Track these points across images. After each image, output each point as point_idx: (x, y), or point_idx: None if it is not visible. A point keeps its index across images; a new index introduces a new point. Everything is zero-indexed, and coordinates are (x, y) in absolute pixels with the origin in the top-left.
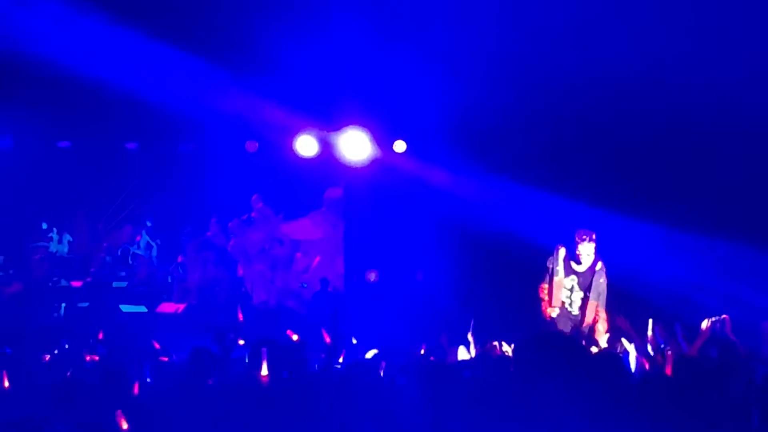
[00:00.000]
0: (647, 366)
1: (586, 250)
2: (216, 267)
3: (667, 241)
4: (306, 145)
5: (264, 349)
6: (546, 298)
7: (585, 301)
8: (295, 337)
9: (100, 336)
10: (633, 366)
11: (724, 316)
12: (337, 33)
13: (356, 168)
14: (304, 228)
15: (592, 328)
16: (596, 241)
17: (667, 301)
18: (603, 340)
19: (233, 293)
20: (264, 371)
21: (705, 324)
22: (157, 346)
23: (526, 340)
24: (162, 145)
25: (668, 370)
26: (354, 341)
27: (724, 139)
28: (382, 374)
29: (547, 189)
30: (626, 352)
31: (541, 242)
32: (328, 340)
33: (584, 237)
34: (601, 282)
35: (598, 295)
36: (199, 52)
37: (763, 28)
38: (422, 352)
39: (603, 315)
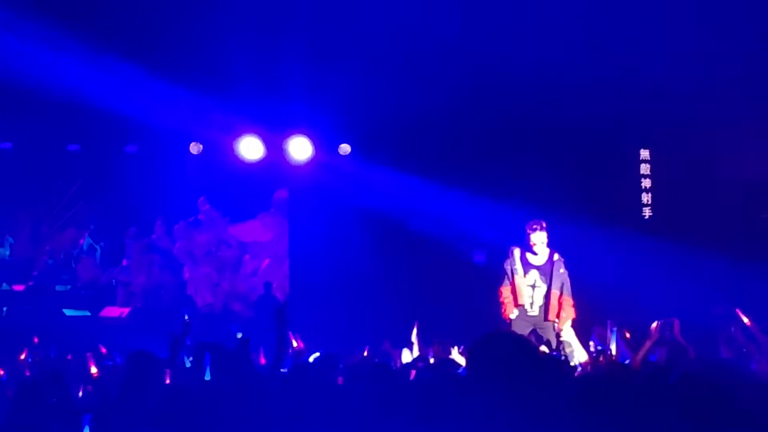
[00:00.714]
0: (588, 368)
1: (539, 239)
2: (161, 270)
3: (611, 242)
4: (250, 148)
5: (207, 354)
6: (506, 301)
7: (548, 295)
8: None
9: (36, 341)
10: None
11: (673, 318)
12: (280, 36)
13: (301, 170)
14: (253, 230)
15: (553, 325)
16: (548, 232)
17: (615, 303)
18: (568, 332)
19: (178, 297)
20: (206, 376)
21: (654, 326)
22: (103, 350)
23: (477, 341)
24: (105, 146)
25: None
26: (294, 344)
27: (663, 144)
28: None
29: (490, 190)
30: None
31: (489, 243)
32: (297, 344)
33: (535, 227)
34: (561, 272)
35: (561, 284)
36: (143, 55)
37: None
38: (365, 354)
39: (569, 305)
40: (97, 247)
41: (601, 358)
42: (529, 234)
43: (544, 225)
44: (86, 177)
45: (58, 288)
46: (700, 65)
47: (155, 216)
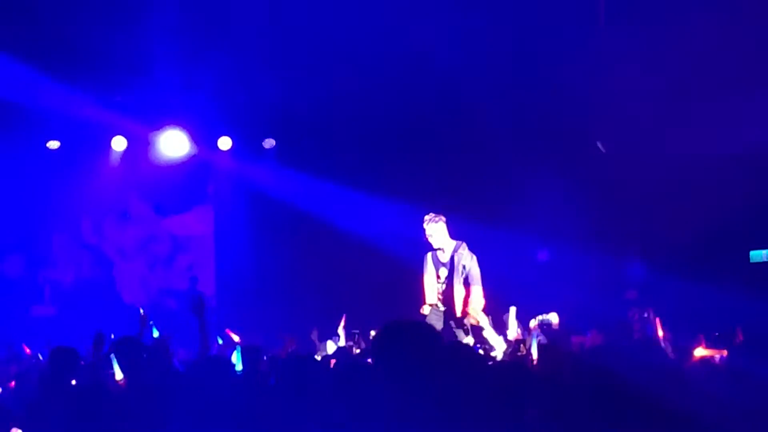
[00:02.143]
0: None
1: (430, 230)
2: (91, 267)
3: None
4: (174, 142)
5: (112, 354)
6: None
7: (452, 289)
8: (236, 338)
9: None
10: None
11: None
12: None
13: (227, 163)
14: (186, 223)
15: (461, 318)
16: (448, 224)
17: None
18: (483, 322)
19: (108, 294)
20: (118, 375)
21: (533, 323)
22: (27, 350)
23: (380, 330)
24: (26, 144)
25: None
26: (220, 341)
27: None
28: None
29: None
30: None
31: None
32: (236, 339)
33: (427, 218)
34: (463, 262)
35: (464, 275)
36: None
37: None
38: (292, 348)
39: (476, 295)
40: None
41: (521, 347)
42: (424, 227)
43: (437, 218)
44: (7, 174)
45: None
46: None
47: (82, 213)
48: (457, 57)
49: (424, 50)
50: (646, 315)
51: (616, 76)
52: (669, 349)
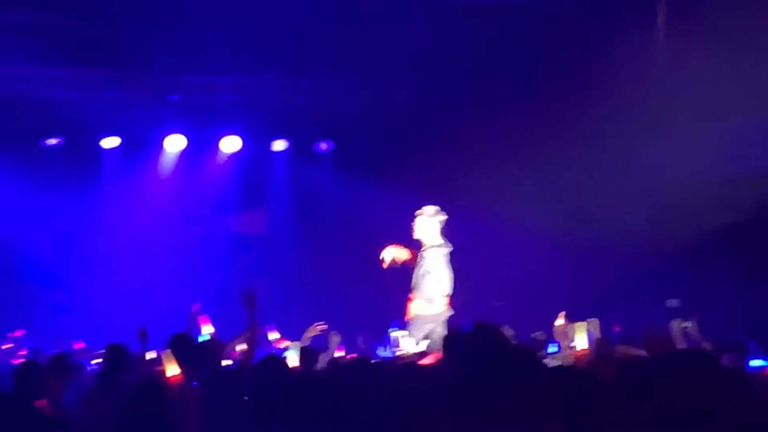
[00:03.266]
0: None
1: (414, 226)
2: (144, 266)
3: None
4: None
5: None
6: None
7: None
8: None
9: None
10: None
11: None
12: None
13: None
14: (242, 223)
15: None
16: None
17: None
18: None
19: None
20: (171, 371)
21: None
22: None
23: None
24: (80, 142)
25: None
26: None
27: None
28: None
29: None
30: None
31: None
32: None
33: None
34: (422, 265)
35: (420, 277)
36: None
37: None
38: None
39: (418, 297)
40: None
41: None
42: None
43: (417, 213)
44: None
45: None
46: None
47: (138, 211)
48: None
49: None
50: (689, 324)
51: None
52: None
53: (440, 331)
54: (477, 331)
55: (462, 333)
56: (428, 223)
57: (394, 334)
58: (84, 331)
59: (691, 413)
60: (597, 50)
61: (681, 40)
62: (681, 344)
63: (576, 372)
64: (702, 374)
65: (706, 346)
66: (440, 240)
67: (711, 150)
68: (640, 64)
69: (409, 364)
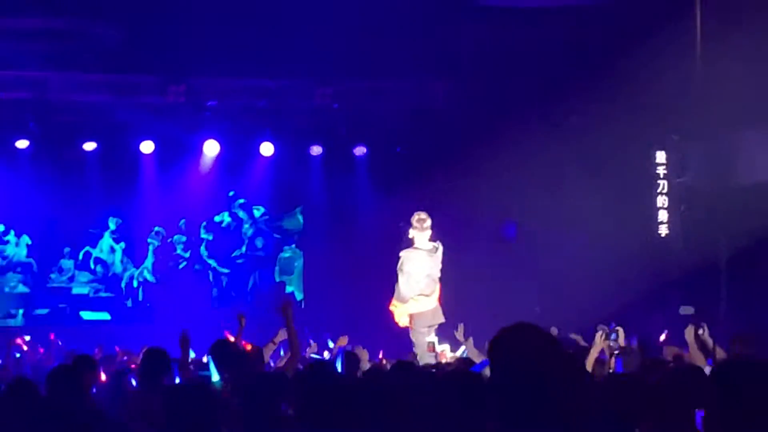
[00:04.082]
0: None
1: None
2: (186, 270)
3: None
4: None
5: (209, 356)
6: None
7: None
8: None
9: (51, 337)
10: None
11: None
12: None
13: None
14: (279, 227)
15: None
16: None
17: None
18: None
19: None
20: (214, 377)
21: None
22: (117, 349)
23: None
24: (121, 145)
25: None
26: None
27: None
28: None
29: None
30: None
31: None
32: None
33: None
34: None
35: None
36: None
37: None
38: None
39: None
40: (118, 248)
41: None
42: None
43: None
44: (105, 176)
45: (75, 290)
46: None
47: (178, 214)
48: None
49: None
50: (701, 332)
51: None
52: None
53: (427, 335)
54: (524, 334)
55: (508, 336)
56: (415, 228)
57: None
58: (124, 336)
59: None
60: (633, 51)
61: (718, 40)
62: (695, 350)
63: (626, 377)
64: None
65: (719, 352)
66: (423, 242)
67: (747, 154)
68: (676, 64)
69: (456, 370)
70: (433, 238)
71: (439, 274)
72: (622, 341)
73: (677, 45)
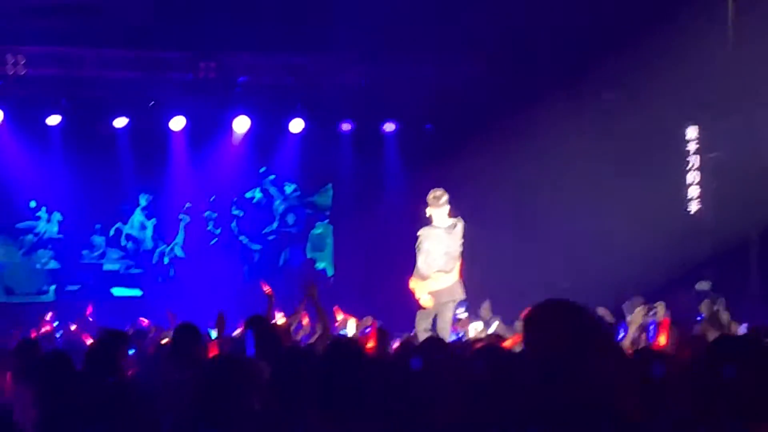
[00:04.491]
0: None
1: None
2: (218, 247)
3: None
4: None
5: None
6: None
7: None
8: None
9: (89, 310)
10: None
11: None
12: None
13: None
14: (309, 203)
15: None
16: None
17: None
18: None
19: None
20: (249, 351)
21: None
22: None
23: (532, 311)
24: (152, 121)
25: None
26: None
27: None
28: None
29: None
30: None
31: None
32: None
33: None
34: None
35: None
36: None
37: None
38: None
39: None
40: (149, 224)
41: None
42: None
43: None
44: (136, 152)
45: (106, 267)
46: None
47: (209, 191)
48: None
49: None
50: (717, 307)
51: None
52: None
53: (447, 311)
54: (557, 310)
55: (541, 312)
56: (431, 206)
57: (460, 314)
58: (155, 312)
59: None
60: (664, 27)
61: (750, 15)
62: (706, 325)
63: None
64: None
65: (735, 327)
66: (441, 220)
67: None
68: (708, 40)
69: (489, 346)
70: (452, 215)
71: (460, 250)
72: (661, 317)
73: (709, 20)
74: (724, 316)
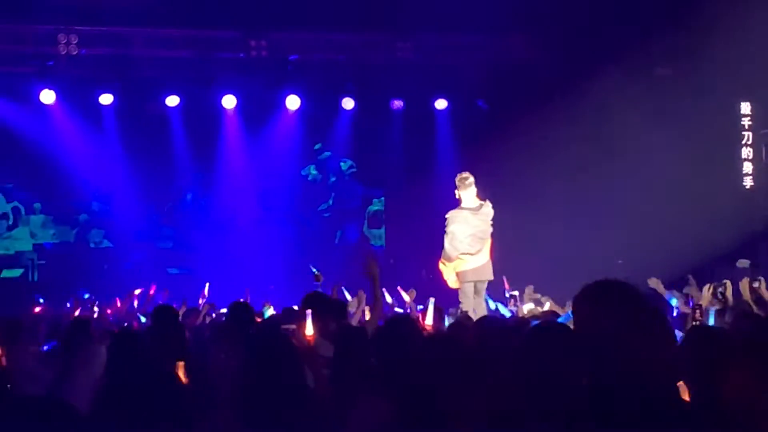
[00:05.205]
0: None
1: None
2: (272, 225)
3: None
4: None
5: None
6: None
7: None
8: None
9: (152, 291)
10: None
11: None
12: None
13: None
14: (362, 182)
15: None
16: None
17: None
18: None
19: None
20: (309, 330)
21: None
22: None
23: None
24: (204, 100)
25: None
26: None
27: None
28: None
29: None
30: None
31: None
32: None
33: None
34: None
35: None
36: None
37: None
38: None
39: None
40: (201, 203)
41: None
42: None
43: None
44: (187, 131)
45: (160, 245)
46: None
47: (263, 169)
48: None
49: None
50: (757, 284)
51: None
52: None
53: (474, 291)
54: (608, 289)
55: (592, 292)
56: (459, 188)
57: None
58: (209, 290)
59: None
60: (719, 2)
61: None
62: (740, 302)
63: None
64: None
65: None
66: (469, 201)
67: None
68: (763, 15)
69: (545, 323)
70: (481, 197)
71: (489, 230)
72: (729, 295)
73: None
74: (766, 294)
